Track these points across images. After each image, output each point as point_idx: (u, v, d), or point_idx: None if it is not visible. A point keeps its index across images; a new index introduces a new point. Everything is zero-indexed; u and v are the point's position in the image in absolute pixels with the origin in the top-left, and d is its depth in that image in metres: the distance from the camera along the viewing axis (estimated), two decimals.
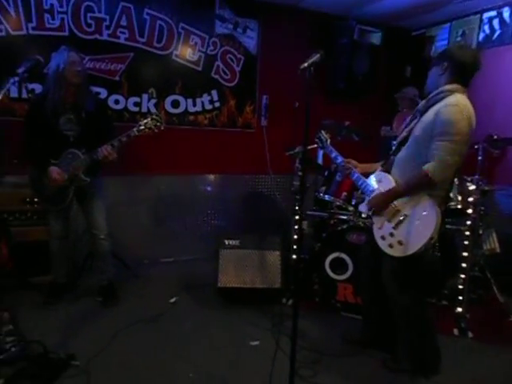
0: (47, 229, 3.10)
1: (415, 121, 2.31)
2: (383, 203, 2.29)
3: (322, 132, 2.92)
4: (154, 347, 2.57)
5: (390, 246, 2.25)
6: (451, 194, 2.75)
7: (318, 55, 1.82)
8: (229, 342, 2.69)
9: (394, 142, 2.50)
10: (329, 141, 2.88)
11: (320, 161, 3.84)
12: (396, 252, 2.22)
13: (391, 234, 2.25)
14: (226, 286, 3.14)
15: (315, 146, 2.99)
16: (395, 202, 2.25)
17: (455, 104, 2.08)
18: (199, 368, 2.38)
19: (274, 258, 3.24)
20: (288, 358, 1.94)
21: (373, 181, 2.45)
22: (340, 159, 2.66)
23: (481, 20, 4.07)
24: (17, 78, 2.00)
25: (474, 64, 2.17)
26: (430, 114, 2.17)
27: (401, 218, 2.22)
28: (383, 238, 2.29)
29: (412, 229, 2.17)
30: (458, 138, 2.05)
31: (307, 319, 2.87)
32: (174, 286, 3.50)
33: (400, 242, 2.20)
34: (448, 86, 2.17)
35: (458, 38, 4.26)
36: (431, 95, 2.23)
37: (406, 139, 2.33)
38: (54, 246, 3.08)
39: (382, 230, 2.31)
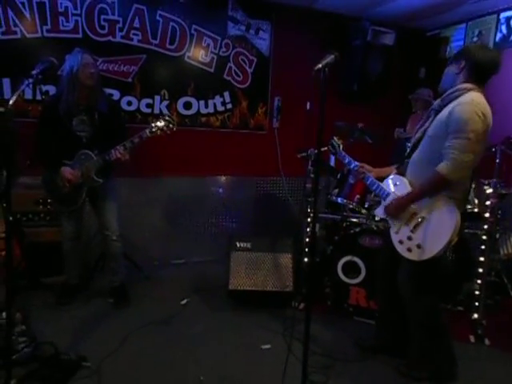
0: (60, 230, 3.12)
1: (429, 120, 2.26)
2: (400, 208, 2.24)
3: (335, 138, 2.90)
4: (165, 349, 2.57)
5: (409, 250, 2.20)
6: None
7: (333, 56, 1.78)
8: (240, 345, 2.67)
9: (409, 144, 2.45)
10: (341, 146, 2.85)
11: (332, 163, 3.80)
12: (415, 256, 2.17)
13: (409, 238, 2.20)
14: (236, 289, 3.12)
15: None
16: (412, 205, 2.21)
17: (470, 102, 2.04)
18: (210, 370, 2.36)
19: (286, 260, 3.22)
20: (300, 362, 1.92)
21: (388, 185, 2.41)
22: (353, 164, 2.63)
23: (498, 20, 3.99)
24: (31, 80, 2.01)
25: (492, 66, 2.12)
26: (444, 113, 2.13)
27: (419, 221, 2.17)
28: (401, 242, 2.25)
29: (430, 231, 2.12)
30: (473, 136, 1.99)
31: (319, 323, 2.85)
32: (185, 288, 3.50)
33: (418, 246, 2.15)
34: (464, 85, 2.12)
35: (475, 39, 4.18)
36: (446, 94, 2.19)
37: (420, 140, 2.29)
38: (67, 247, 3.09)
39: (399, 234, 2.27)
